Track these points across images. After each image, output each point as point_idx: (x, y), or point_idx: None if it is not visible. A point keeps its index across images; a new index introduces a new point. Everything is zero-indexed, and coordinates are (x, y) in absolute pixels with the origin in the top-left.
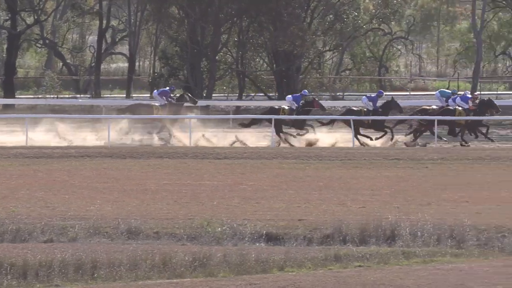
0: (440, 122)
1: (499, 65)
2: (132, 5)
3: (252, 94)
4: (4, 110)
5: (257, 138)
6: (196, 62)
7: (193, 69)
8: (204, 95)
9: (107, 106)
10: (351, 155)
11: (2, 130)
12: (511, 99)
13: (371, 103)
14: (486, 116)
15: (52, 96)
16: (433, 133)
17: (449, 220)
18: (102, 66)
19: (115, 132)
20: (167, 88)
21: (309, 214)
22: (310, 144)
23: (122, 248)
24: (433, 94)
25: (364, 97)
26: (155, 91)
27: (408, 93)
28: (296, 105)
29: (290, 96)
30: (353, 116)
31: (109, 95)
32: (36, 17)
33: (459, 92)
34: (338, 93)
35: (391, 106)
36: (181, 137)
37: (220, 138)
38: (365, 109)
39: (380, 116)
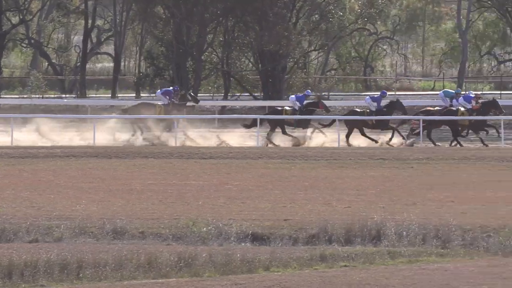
0: (443, 123)
1: (485, 65)
2: (118, 5)
3: (238, 94)
4: None
5: (244, 138)
6: (182, 62)
7: (179, 69)
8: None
9: (92, 106)
10: (336, 155)
11: None
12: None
13: (375, 104)
14: (490, 115)
15: (37, 96)
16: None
17: (435, 220)
18: (87, 66)
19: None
20: (171, 88)
21: (294, 214)
22: (298, 144)
23: (107, 248)
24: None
25: (367, 97)
26: (158, 90)
27: (393, 93)
28: (299, 105)
29: (293, 96)
30: (357, 117)
31: (94, 95)
32: (21, 17)
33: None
34: (323, 93)
35: (396, 106)
36: (195, 137)
37: (206, 138)
38: (368, 110)
39: (381, 116)
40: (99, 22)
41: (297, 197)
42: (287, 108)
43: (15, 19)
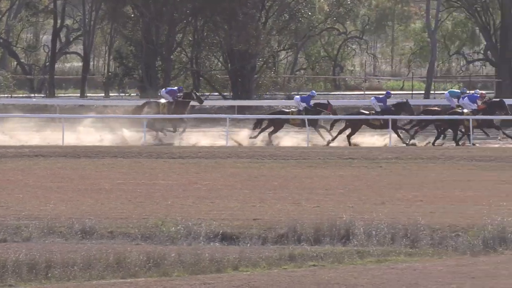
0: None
1: (453, 64)
2: (87, 4)
3: (207, 94)
4: None
5: (214, 138)
6: (151, 61)
7: (148, 68)
8: (159, 94)
9: (61, 105)
10: (305, 154)
11: None
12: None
13: (380, 104)
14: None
15: (5, 95)
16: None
17: (403, 219)
18: (56, 66)
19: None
20: (175, 88)
21: (263, 213)
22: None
23: (76, 247)
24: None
25: (372, 98)
26: (163, 89)
27: (363, 92)
28: (305, 105)
29: (298, 97)
30: (361, 116)
31: (63, 95)
32: None
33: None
34: (292, 93)
35: (404, 108)
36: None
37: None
38: (373, 111)
39: (381, 116)
40: (68, 21)
41: (266, 196)
42: (293, 109)
43: None
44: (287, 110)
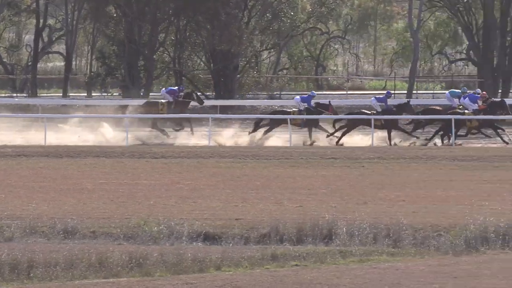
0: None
1: (436, 64)
2: (69, 4)
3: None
4: None
5: (197, 137)
6: (134, 61)
7: (131, 68)
8: (142, 94)
9: (43, 105)
10: (288, 154)
11: None
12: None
13: (381, 104)
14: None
15: None
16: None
17: (386, 219)
18: (38, 65)
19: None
20: (176, 87)
21: (246, 213)
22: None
23: (58, 247)
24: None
25: (373, 98)
26: (163, 89)
27: (345, 92)
28: (306, 105)
29: (298, 97)
30: (362, 116)
31: (45, 94)
32: None
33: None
34: (275, 92)
35: (406, 109)
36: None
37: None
38: (374, 112)
39: (381, 116)
40: (50, 21)
41: (249, 196)
42: (294, 109)
43: None
44: (289, 110)
